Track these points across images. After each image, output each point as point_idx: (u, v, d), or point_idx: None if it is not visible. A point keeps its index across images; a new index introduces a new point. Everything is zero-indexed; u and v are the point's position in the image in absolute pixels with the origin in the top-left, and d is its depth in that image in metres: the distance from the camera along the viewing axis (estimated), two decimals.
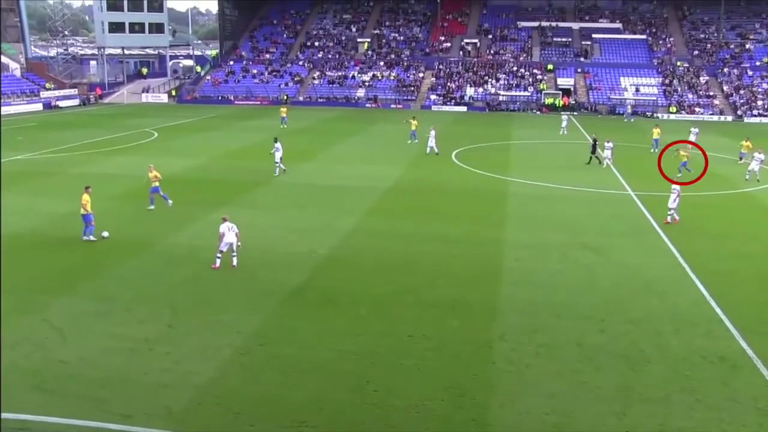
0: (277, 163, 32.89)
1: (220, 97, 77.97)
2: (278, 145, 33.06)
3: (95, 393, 12.22)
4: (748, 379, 13.07)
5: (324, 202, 27.74)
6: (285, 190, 29.91)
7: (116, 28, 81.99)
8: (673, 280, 18.71)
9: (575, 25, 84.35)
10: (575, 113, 68.91)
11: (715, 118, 67.47)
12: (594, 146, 37.72)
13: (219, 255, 19.36)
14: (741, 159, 36.57)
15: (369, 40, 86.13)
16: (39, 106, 69.21)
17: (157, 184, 25.70)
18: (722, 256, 21.03)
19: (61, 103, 72.16)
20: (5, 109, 64.48)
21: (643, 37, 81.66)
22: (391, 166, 35.86)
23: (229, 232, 19.31)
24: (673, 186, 24.91)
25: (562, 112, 62.28)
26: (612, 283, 18.40)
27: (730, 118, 67.40)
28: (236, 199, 27.87)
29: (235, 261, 19.44)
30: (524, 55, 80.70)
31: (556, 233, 23.26)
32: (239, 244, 19.31)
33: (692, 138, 43.95)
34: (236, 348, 14.11)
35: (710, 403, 12.17)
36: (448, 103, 73.50)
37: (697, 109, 68.98)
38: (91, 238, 21.54)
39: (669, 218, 24.70)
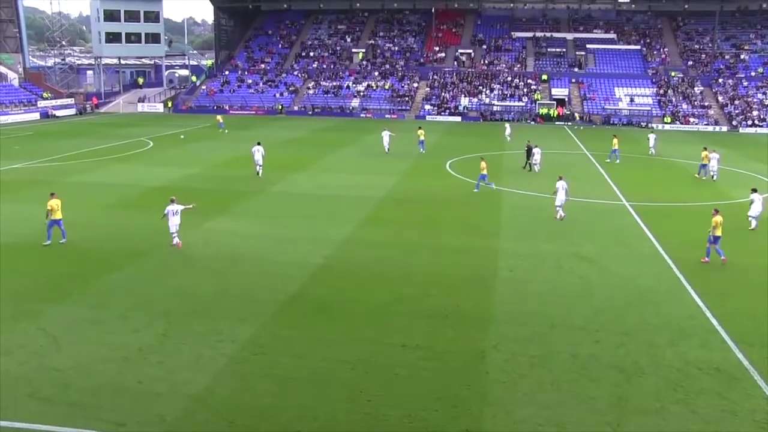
0: (258, 164, 35.11)
1: (215, 107, 78.02)
2: (258, 147, 35.33)
3: (89, 401, 12.18)
4: (745, 392, 13.00)
5: (318, 211, 27.74)
6: (279, 200, 29.92)
7: (113, 38, 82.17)
8: (668, 291, 18.73)
9: (569, 36, 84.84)
10: (569, 123, 69.23)
11: (710, 128, 67.81)
12: (528, 152, 38.50)
13: (172, 234, 21.76)
14: (699, 172, 37.24)
15: (364, 50, 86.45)
16: (36, 116, 69.24)
17: None
18: (717, 266, 21.02)
19: (58, 113, 72.16)
20: (3, 119, 64.54)
21: (638, 47, 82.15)
22: (385, 175, 35.91)
23: (174, 216, 21.63)
24: (558, 183, 26.72)
25: (505, 122, 63.07)
26: (606, 294, 18.41)
27: (725, 129, 67.73)
28: (230, 209, 27.85)
29: (175, 240, 21.78)
30: (518, 66, 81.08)
31: (551, 243, 23.30)
32: (179, 222, 21.75)
33: (651, 143, 46.54)
34: (230, 357, 14.07)
35: (706, 416, 12.12)
36: (443, 113, 73.74)
37: (691, 120, 69.33)
38: (48, 242, 22.11)
39: (558, 215, 26.51)
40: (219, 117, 62.17)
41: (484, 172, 32.18)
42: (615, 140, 43.15)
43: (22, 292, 17.93)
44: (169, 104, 79.76)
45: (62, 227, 22.27)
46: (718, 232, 21.03)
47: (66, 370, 13.37)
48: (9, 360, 13.75)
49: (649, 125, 68.37)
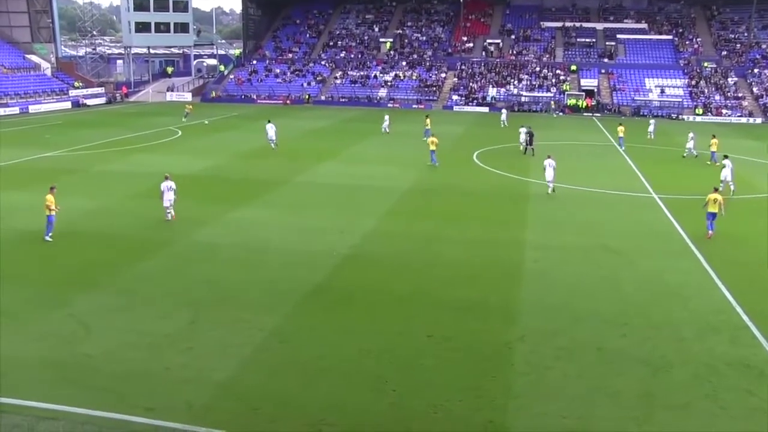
0: (271, 140, 40.93)
1: (242, 96, 78.46)
2: (271, 125, 41.57)
3: (118, 386, 12.40)
4: None
5: (343, 202, 27.81)
6: (304, 190, 30.03)
7: (142, 27, 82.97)
8: (697, 286, 18.46)
9: (599, 26, 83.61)
10: (598, 114, 68.34)
11: (744, 120, 66.40)
12: (530, 137, 40.74)
13: (167, 209, 23.68)
14: (712, 159, 38.72)
15: (391, 40, 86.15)
16: (68, 105, 70.30)
17: None
18: (748, 262, 20.65)
19: (89, 102, 73.17)
20: (36, 108, 65.74)
21: (669, 37, 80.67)
22: (411, 166, 35.83)
23: (168, 192, 23.59)
24: (546, 161, 29.47)
25: (502, 108, 64.35)
26: (634, 287, 18.21)
27: (759, 120, 66.21)
28: (257, 198, 28.05)
29: (170, 216, 23.66)
30: (547, 56, 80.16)
31: (578, 235, 23.09)
32: (176, 198, 23.75)
33: (650, 128, 49.16)
34: (256, 346, 14.22)
35: (735, 413, 11.94)
36: (470, 103, 73.28)
37: (724, 111, 67.95)
38: (47, 238, 21.28)
39: (549, 190, 29.08)
40: (189, 106, 60.60)
41: (433, 147, 35.78)
42: (621, 128, 44.74)
43: (53, 279, 18.30)
44: (214, 93, 78.82)
45: (51, 223, 21.45)
46: (710, 209, 22.54)
47: (96, 355, 13.62)
48: (42, 345, 14.07)
49: (680, 117, 67.30)
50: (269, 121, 42.53)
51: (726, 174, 29.35)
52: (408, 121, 56.96)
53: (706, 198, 22.77)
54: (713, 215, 22.60)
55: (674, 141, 47.54)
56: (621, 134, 44.23)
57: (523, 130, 42.89)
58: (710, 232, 22.67)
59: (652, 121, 52.20)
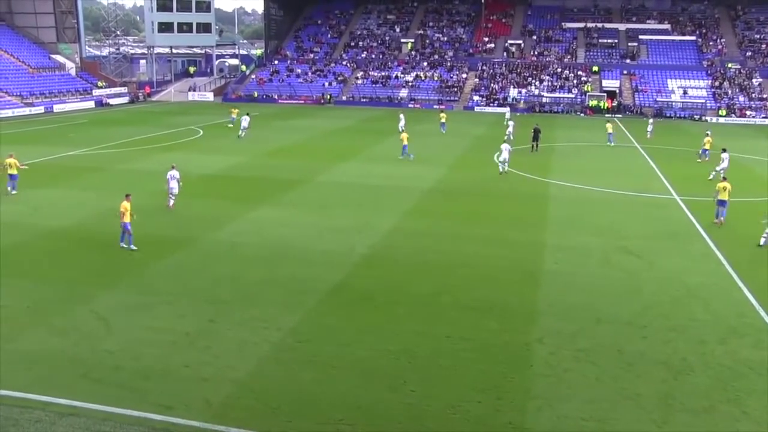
0: (244, 128, 45.37)
1: (264, 96, 78.86)
2: (246, 117, 45.99)
3: (138, 384, 12.51)
4: None
5: (364, 201, 27.84)
6: (325, 189, 30.12)
7: (165, 27, 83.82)
8: (719, 288, 18.23)
9: (622, 26, 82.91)
10: (619, 116, 67.72)
11: None
12: (535, 134, 41.81)
13: (171, 196, 25.23)
14: (702, 157, 39.35)
15: (413, 40, 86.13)
16: (91, 104, 71.18)
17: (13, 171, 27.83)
18: None
19: (112, 101, 74.05)
20: (60, 107, 66.66)
21: (693, 38, 79.76)
22: (432, 166, 35.78)
23: (171, 180, 25.03)
24: (503, 145, 33.98)
25: (507, 108, 65.93)
26: (654, 289, 18.02)
27: None
28: (276, 197, 28.17)
29: (171, 203, 25.28)
30: (569, 57, 79.65)
31: (598, 237, 22.91)
32: (181, 185, 25.43)
33: (648, 128, 50.42)
34: (274, 344, 14.28)
35: (758, 418, 11.76)
36: (492, 104, 73.02)
37: (748, 113, 67.02)
38: (132, 247, 20.58)
39: (500, 169, 33.54)
40: (234, 110, 55.23)
41: (405, 143, 37.96)
42: (609, 125, 47.45)
43: (76, 275, 18.53)
44: (255, 94, 78.75)
45: (129, 231, 20.62)
46: (721, 197, 24.10)
47: (116, 352, 13.76)
48: (64, 341, 14.26)
49: (703, 118, 66.51)
50: (247, 114, 46.85)
51: (722, 166, 31.97)
52: (429, 120, 56.89)
53: (716, 188, 24.63)
54: (723, 203, 24.18)
55: (678, 141, 47.10)
56: (610, 131, 46.35)
57: (511, 123, 45.80)
58: (721, 219, 24.34)
59: (650, 121, 53.81)
